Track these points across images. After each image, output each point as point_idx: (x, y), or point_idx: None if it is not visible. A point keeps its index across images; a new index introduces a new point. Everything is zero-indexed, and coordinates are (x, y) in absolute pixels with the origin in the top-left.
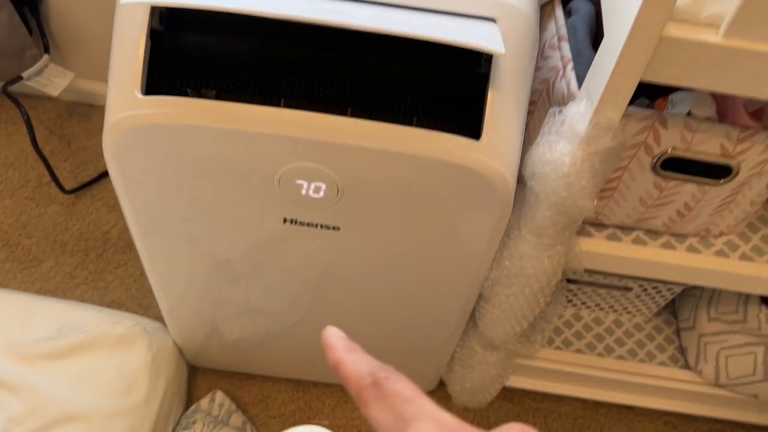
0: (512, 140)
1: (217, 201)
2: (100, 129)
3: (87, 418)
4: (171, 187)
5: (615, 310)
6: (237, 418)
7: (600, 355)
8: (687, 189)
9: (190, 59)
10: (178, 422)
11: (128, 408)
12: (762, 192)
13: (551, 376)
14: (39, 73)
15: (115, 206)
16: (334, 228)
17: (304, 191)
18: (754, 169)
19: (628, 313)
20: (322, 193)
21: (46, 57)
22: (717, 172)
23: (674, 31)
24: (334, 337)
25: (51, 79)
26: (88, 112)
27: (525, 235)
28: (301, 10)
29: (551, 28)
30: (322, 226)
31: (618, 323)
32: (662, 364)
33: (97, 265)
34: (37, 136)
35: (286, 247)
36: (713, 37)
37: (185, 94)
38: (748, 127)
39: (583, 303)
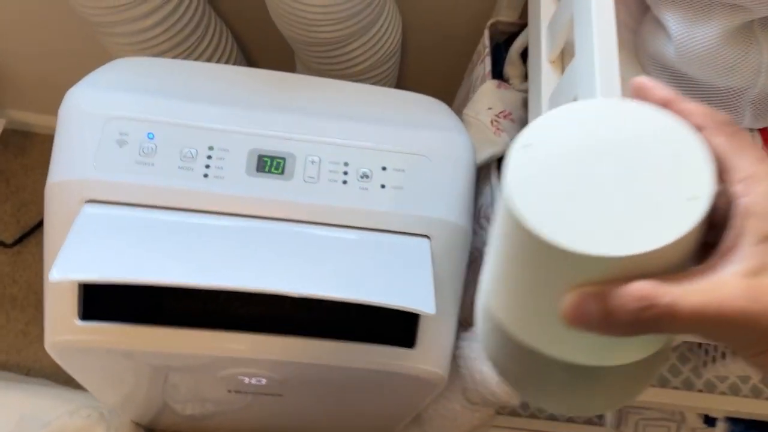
0: (445, 340)
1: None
2: (37, 164)
3: None
4: (112, 374)
5: None
6: None
7: None
8: None
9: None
10: None
11: None
12: None
13: None
14: None
15: None
16: (276, 395)
17: (246, 381)
18: None
19: None
20: (264, 382)
21: None
22: None
23: None
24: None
25: None
26: (23, 144)
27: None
28: (222, 278)
29: (487, 193)
30: (264, 394)
31: None
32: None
33: None
34: None
35: (232, 400)
36: None
37: (121, 308)
38: None
39: None
